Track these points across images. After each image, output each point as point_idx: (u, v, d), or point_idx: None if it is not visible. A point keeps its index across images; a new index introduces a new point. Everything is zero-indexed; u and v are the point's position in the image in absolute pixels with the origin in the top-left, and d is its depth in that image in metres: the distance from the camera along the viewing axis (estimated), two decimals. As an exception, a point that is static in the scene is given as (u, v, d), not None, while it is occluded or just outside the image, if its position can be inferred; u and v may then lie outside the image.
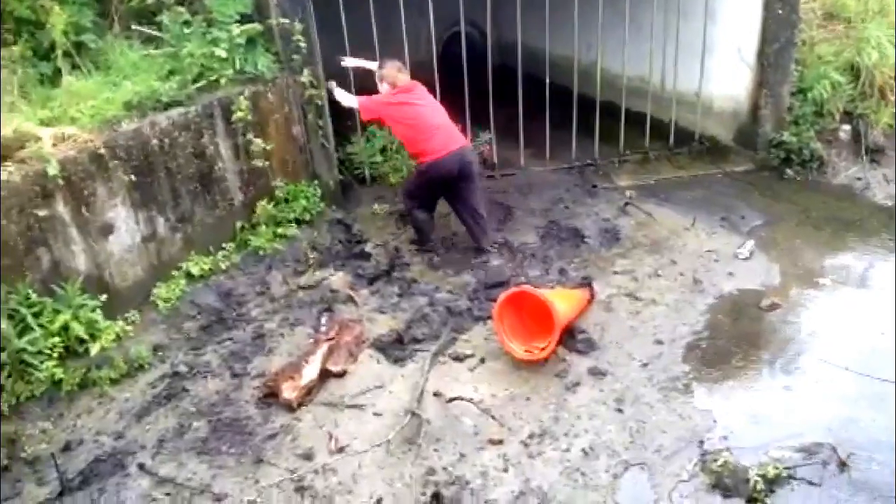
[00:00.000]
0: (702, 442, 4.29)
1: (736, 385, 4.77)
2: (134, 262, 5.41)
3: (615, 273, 6.00)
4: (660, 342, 5.17)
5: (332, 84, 6.56)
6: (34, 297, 4.73)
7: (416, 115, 6.04)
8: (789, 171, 7.60)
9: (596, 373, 4.89)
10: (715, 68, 7.95)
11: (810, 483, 3.98)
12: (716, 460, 4.10)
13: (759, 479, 3.92)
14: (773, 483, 3.93)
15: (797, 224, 6.67)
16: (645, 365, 4.96)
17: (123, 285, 5.34)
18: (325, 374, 4.92)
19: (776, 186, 7.48)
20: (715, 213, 6.93)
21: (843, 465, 4.04)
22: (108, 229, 5.21)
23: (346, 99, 6.39)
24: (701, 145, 8.30)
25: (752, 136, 7.89)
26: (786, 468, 4.02)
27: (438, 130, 6.03)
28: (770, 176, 7.69)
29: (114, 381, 4.90)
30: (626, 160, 8.20)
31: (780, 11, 7.32)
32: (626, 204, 7.13)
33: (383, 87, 6.27)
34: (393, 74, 6.20)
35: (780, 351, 5.06)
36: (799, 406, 4.53)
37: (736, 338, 5.19)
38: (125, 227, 5.32)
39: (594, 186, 7.66)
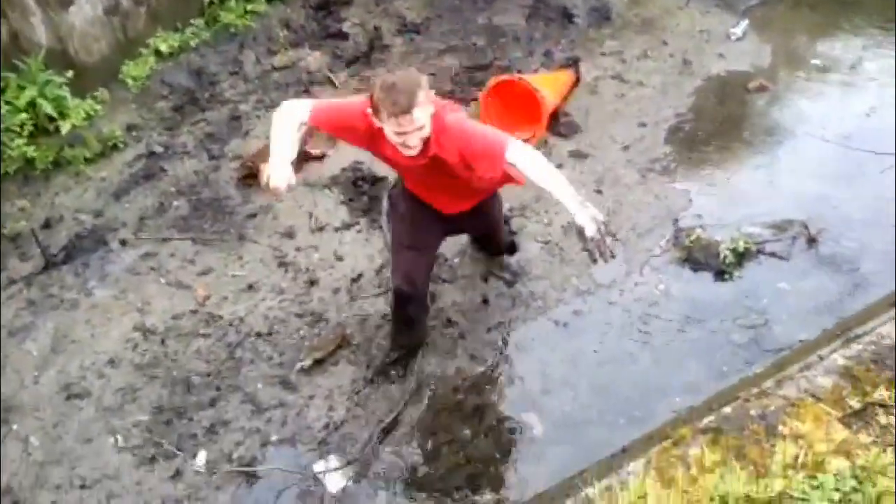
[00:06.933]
0: (676, 220, 4.38)
1: (715, 166, 4.78)
2: (98, 36, 5.14)
3: (602, 55, 5.77)
4: (643, 125, 5.10)
5: None
6: (-4, 70, 4.55)
7: None
8: (793, -52, 7.13)
9: (577, 155, 4.87)
10: None
11: (779, 257, 4.12)
12: (688, 236, 4.20)
13: (728, 252, 4.05)
14: (742, 257, 4.07)
15: (794, 4, 6.36)
16: (626, 147, 4.92)
17: (89, 61, 5.12)
18: (305, 157, 4.87)
19: (777, -36, 7.04)
20: (711, -10, 6.55)
21: (811, 241, 4.16)
22: (67, 0, 4.89)
23: None
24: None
25: None
26: (755, 243, 4.14)
27: None
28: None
29: (88, 161, 4.85)
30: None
31: None
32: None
33: None
34: None
35: (763, 133, 5.01)
36: (775, 185, 4.58)
37: (720, 120, 5.12)
38: (84, -3, 4.99)
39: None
